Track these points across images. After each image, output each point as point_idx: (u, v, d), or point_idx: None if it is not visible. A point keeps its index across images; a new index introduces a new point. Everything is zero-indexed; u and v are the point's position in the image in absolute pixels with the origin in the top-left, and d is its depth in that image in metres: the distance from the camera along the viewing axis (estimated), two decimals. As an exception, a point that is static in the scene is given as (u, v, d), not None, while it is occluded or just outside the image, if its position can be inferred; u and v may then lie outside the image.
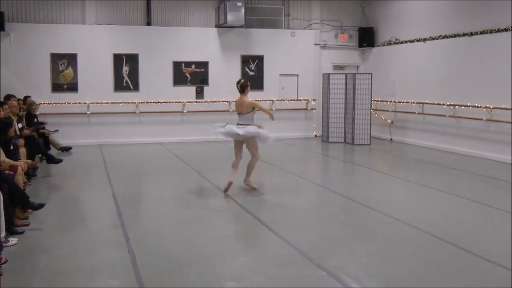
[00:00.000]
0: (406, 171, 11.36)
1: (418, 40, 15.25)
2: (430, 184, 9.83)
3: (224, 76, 16.26)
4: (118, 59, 15.51)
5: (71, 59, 15.12)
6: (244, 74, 16.50)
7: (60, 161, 11.38)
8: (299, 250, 6.04)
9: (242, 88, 9.29)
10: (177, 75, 16.05)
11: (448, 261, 5.83)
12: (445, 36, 14.18)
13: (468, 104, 13.28)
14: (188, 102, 16.09)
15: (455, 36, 13.84)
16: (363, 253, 6.04)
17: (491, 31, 12.71)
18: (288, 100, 17.00)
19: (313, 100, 17.29)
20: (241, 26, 16.33)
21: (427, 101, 14.76)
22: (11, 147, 8.72)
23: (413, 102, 15.25)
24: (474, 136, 13.31)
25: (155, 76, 15.84)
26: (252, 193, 9.22)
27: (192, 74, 16.20)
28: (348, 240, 6.51)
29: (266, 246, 6.32)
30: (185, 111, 16.10)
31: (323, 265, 5.60)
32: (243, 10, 15.62)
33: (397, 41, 16.31)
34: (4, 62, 14.50)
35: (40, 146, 11.39)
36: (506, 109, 12.21)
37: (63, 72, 15.11)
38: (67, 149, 13.96)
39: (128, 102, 15.60)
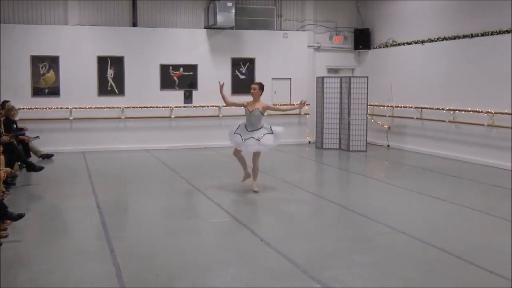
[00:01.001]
0: (404, 179, 11.38)
1: (416, 42, 15.32)
2: (429, 192, 9.84)
3: (214, 80, 16.11)
4: (102, 61, 15.46)
5: (53, 61, 15.05)
6: (234, 77, 16.51)
7: (41, 169, 11.30)
8: (292, 262, 6.02)
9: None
10: (164, 79, 16.02)
11: (450, 272, 5.83)
12: (445, 38, 14.25)
13: (469, 109, 13.34)
14: (176, 107, 16.06)
15: (455, 38, 13.91)
16: (361, 264, 6.02)
17: (492, 33, 12.80)
18: (280, 105, 16.97)
19: (307, 105, 17.26)
20: (232, 28, 16.33)
21: (425, 105, 14.82)
22: (-11, 154, 8.65)
23: (411, 107, 15.30)
24: (475, 142, 13.36)
25: (142, 80, 15.79)
26: (244, 202, 9.21)
27: (180, 78, 16.17)
28: (345, 251, 6.49)
29: (259, 257, 6.29)
30: (173, 116, 16.07)
31: (318, 277, 5.58)
32: (233, 11, 15.62)
33: (394, 43, 16.37)
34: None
35: (20, 153, 11.29)
36: (508, 114, 12.28)
37: (44, 75, 15.03)
38: (48, 156, 13.88)
39: (113, 107, 15.54)
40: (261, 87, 9.81)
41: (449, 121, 14.00)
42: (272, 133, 9.64)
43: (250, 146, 9.51)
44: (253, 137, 9.51)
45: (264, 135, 9.54)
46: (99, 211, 8.41)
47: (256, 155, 9.76)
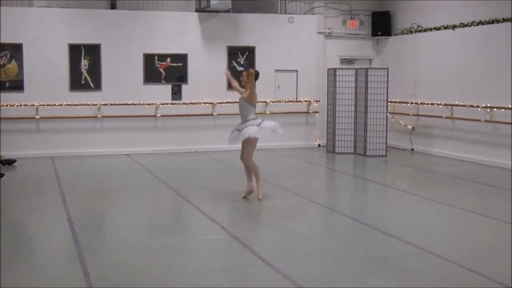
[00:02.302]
0: (431, 189, 11.37)
1: (446, 27, 15.31)
2: (462, 204, 9.82)
3: (207, 72, 16.25)
4: (75, 50, 15.45)
5: (15, 50, 15.02)
6: (231, 69, 16.44)
7: (0, 176, 11.28)
8: (298, 285, 6.00)
9: None
10: (148, 71, 16.01)
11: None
12: (480, 22, 14.22)
13: (510, 106, 13.31)
14: (162, 104, 16.05)
15: (492, 22, 13.87)
16: (381, 290, 6.01)
17: (535, 16, 12.81)
18: (285, 102, 17.00)
19: (316, 101, 17.31)
20: (228, 11, 16.33)
21: (457, 102, 14.80)
22: None
23: (440, 104, 15.29)
24: (515, 145, 13.35)
25: (122, 72, 15.79)
26: (242, 216, 9.20)
27: (167, 70, 16.17)
28: (361, 274, 6.47)
29: (259, 281, 6.27)
30: (158, 115, 16.06)
31: (331, 305, 5.56)
32: (230, -9, 15.66)
33: (419, 29, 16.37)
34: None
35: (-24, 158, 11.31)
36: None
37: (5, 66, 15.01)
38: (10, 162, 13.86)
39: (88, 104, 15.54)
40: (251, 74, 10.00)
41: (486, 121, 13.97)
42: (258, 126, 9.86)
43: (232, 138, 10.08)
44: (238, 129, 9.97)
45: (247, 126, 9.83)
46: (70, 226, 8.38)
47: (245, 152, 10.00)
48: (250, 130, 9.73)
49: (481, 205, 9.86)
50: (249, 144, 9.93)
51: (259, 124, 9.82)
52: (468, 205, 9.77)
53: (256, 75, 10.12)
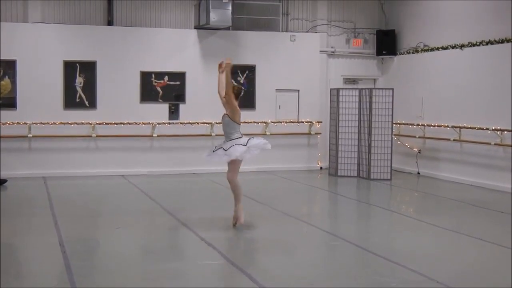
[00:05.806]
0: (438, 215, 11.35)
1: (453, 47, 15.34)
2: (470, 231, 9.79)
3: (206, 91, 16.23)
4: (70, 67, 15.49)
5: (9, 67, 15.05)
6: (231, 88, 16.50)
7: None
8: (301, 316, 5.97)
9: None
10: (145, 89, 16.04)
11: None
12: (489, 42, 14.25)
13: (520, 128, 13.35)
14: (159, 123, 16.06)
15: (502, 41, 13.90)
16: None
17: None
18: (286, 123, 17.00)
19: (318, 122, 17.32)
20: (228, 28, 16.40)
21: (465, 124, 14.80)
22: None
23: (447, 126, 15.29)
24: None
25: (118, 90, 15.81)
26: (240, 241, 9.16)
27: (164, 88, 16.20)
28: (365, 304, 6.44)
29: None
30: (155, 135, 16.06)
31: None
32: (230, 8, 15.69)
33: (426, 48, 16.41)
34: None
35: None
36: None
37: (-2, 83, 15.08)
38: (0, 182, 13.84)
39: (82, 123, 15.54)
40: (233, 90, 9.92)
41: (495, 144, 13.94)
42: (245, 145, 9.54)
43: (215, 156, 9.70)
44: (222, 147, 9.64)
45: (233, 145, 9.53)
46: (62, 250, 8.35)
47: (230, 171, 9.75)
48: (237, 151, 9.42)
49: (490, 232, 9.80)
50: (233, 164, 9.65)
51: (246, 143, 9.54)
52: (477, 232, 9.72)
53: (238, 91, 10.00)
